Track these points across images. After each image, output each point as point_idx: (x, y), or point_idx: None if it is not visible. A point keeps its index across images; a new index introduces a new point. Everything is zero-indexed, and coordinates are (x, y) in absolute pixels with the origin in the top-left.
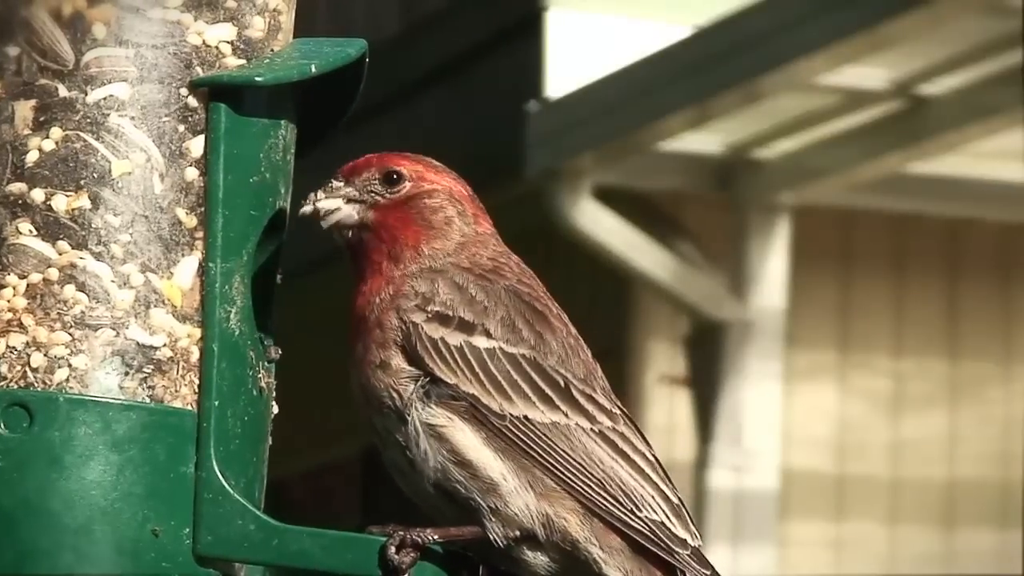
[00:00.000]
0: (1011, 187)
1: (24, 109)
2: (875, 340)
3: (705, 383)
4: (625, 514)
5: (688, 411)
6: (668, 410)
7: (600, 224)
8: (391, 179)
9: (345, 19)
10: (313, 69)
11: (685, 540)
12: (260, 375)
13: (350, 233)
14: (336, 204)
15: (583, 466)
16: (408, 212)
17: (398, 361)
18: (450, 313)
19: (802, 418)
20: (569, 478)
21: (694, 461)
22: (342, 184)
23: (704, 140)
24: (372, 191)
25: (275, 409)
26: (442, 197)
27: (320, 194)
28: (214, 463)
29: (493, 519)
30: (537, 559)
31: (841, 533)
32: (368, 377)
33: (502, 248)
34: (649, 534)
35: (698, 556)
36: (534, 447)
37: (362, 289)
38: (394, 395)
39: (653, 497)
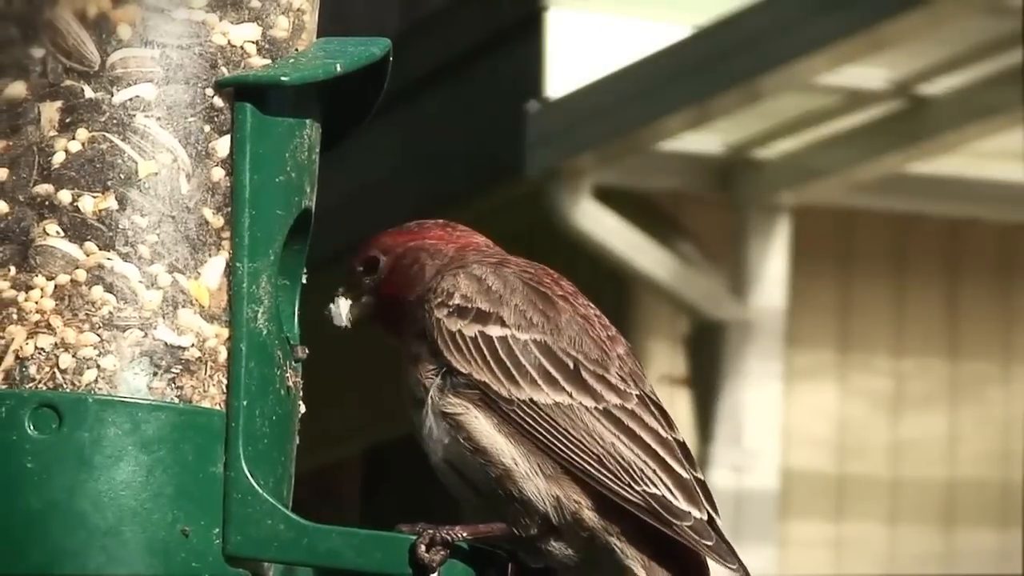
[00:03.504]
0: (1011, 187)
1: (50, 111)
2: (875, 340)
3: (705, 383)
4: (622, 487)
5: (688, 411)
6: (668, 410)
7: (600, 224)
8: (373, 265)
9: (345, 19)
10: (339, 68)
11: (689, 513)
12: (287, 374)
13: (370, 320)
14: (345, 306)
15: (583, 443)
16: (394, 280)
17: (425, 356)
18: (468, 305)
19: (802, 418)
20: (571, 457)
21: None
22: (343, 289)
23: (704, 140)
24: (364, 282)
25: (302, 408)
26: (411, 253)
27: (331, 305)
28: (243, 463)
29: (511, 506)
30: (563, 550)
31: (841, 533)
32: (405, 375)
33: (492, 250)
34: (645, 506)
35: (698, 528)
36: (540, 429)
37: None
38: (421, 389)
39: (655, 471)
